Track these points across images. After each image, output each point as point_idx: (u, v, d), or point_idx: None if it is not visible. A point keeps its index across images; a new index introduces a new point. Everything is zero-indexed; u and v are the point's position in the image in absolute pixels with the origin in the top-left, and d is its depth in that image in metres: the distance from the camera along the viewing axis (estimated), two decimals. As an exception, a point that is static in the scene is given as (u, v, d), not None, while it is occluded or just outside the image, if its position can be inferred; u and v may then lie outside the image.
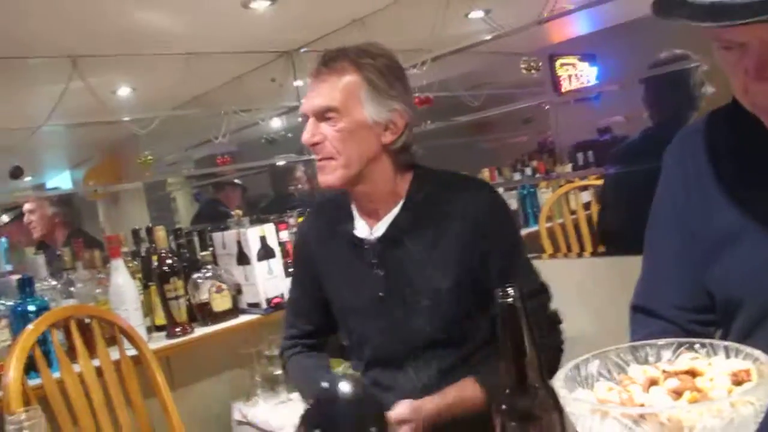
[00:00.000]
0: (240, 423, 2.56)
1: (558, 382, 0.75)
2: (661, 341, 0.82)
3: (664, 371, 0.75)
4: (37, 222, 3.71)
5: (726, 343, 0.76)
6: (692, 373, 0.73)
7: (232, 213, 4.95)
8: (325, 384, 0.84)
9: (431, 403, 1.39)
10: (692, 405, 0.65)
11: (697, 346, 0.79)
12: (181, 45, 3.34)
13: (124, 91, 4.09)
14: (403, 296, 1.52)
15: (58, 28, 2.85)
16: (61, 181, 7.24)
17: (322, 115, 1.46)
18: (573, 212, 3.48)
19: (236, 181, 5.41)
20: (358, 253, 1.57)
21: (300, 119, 1.54)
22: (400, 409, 1.34)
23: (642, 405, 0.68)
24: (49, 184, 7.38)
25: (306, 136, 1.48)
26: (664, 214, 1.12)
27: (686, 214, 1.06)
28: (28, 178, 6.83)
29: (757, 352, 0.72)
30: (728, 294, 1.00)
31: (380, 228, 1.54)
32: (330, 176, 1.48)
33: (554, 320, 1.54)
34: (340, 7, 3.20)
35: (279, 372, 2.40)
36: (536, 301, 1.49)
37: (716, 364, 0.74)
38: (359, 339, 1.63)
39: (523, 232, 3.92)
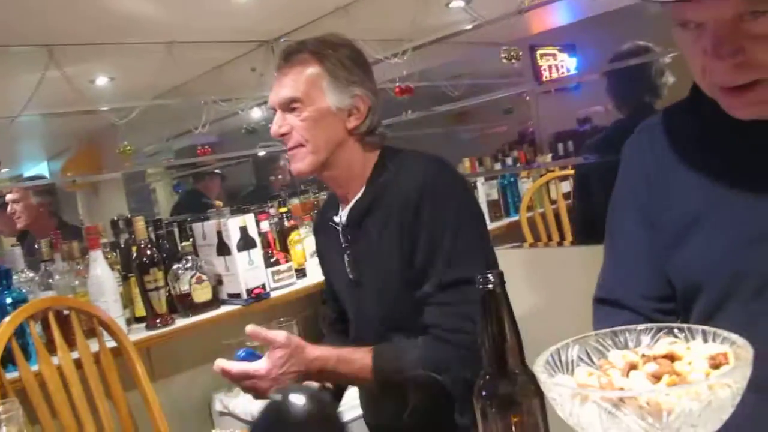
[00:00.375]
0: (221, 414, 2.56)
1: (538, 367, 0.75)
2: (641, 326, 0.82)
3: (643, 356, 0.75)
4: (21, 212, 3.66)
5: (704, 327, 0.77)
6: (671, 357, 0.73)
7: (213, 202, 4.95)
8: (276, 396, 0.73)
9: (317, 350, 1.45)
10: (671, 388, 0.66)
11: (675, 330, 0.80)
12: (161, 34, 3.31)
13: (102, 81, 4.04)
14: (364, 279, 1.58)
15: (33, 16, 2.81)
16: (38, 172, 7.15)
17: (288, 106, 1.52)
18: (553, 202, 3.50)
19: (216, 170, 5.39)
20: (335, 237, 1.64)
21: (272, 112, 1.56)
22: (277, 334, 1.41)
23: (621, 389, 0.69)
24: (27, 176, 7.30)
25: (274, 128, 1.54)
26: (624, 206, 1.13)
27: (647, 206, 1.08)
28: (5, 170, 6.75)
29: (734, 336, 0.72)
30: (689, 280, 1.02)
31: (345, 212, 1.61)
32: (300, 163, 1.54)
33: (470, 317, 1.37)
34: (321, -5, 3.19)
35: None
36: (450, 294, 1.43)
37: (694, 348, 0.74)
38: (351, 321, 1.71)
39: (504, 221, 3.95)
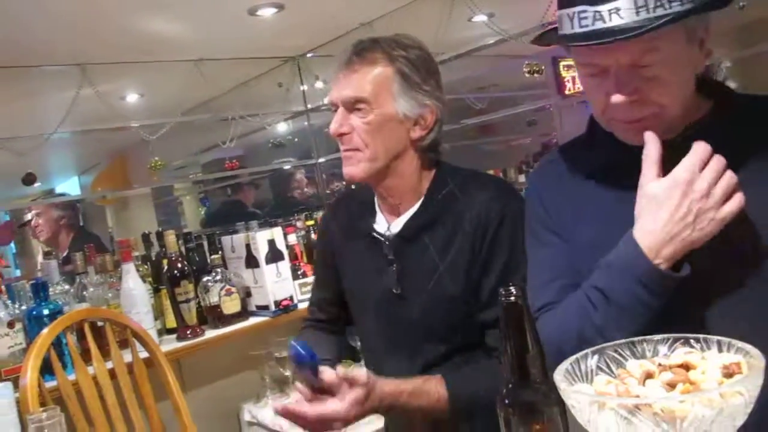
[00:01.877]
0: (250, 424, 2.60)
1: (558, 375, 0.78)
2: (658, 337, 0.85)
3: (659, 365, 0.78)
4: (43, 225, 3.79)
5: (720, 338, 0.80)
6: (686, 367, 0.76)
7: (251, 210, 5.04)
8: None
9: (388, 385, 1.36)
10: (684, 396, 0.69)
11: (692, 341, 0.82)
12: (189, 51, 3.39)
13: (132, 98, 4.15)
14: (415, 294, 1.49)
15: (66, 37, 2.91)
16: (70, 186, 7.29)
17: (352, 106, 1.42)
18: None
19: (253, 181, 5.49)
20: (376, 248, 1.54)
21: (332, 109, 1.47)
22: (359, 374, 1.31)
23: (637, 396, 0.72)
24: (58, 190, 7.44)
25: (334, 126, 1.44)
26: (537, 237, 1.24)
27: (555, 226, 1.20)
28: (37, 184, 6.89)
29: (748, 347, 0.75)
30: None
31: (398, 224, 1.52)
32: (355, 168, 1.45)
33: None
34: (346, 11, 3.25)
35: (288, 373, 2.44)
36: None
37: (709, 358, 0.77)
38: (370, 331, 1.64)
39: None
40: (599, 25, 0.97)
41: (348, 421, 1.31)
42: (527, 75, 3.44)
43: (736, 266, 1.00)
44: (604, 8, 0.96)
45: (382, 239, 1.53)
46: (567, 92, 5.46)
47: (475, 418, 1.41)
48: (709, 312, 1.00)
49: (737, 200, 0.96)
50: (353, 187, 1.76)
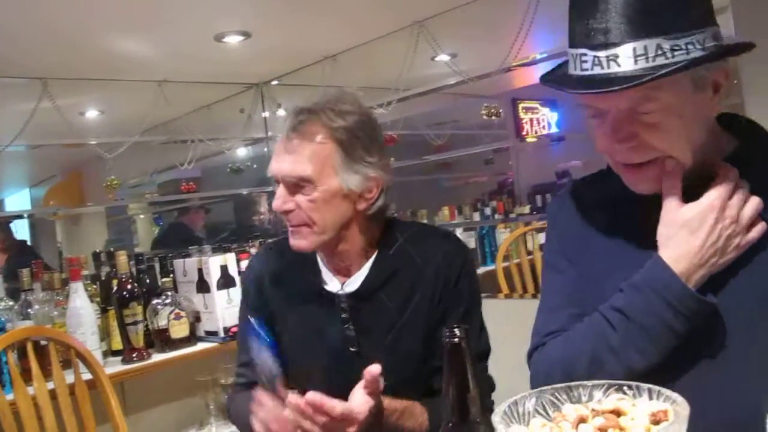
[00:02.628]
0: (191, 451, 2.57)
1: (496, 417, 0.81)
2: (594, 382, 0.89)
3: (593, 410, 0.82)
4: None
5: (650, 386, 0.83)
6: (617, 413, 0.80)
7: (197, 234, 4.98)
8: None
9: (386, 401, 1.33)
10: (612, 441, 0.72)
11: (625, 388, 0.86)
12: (153, 72, 3.40)
13: (92, 114, 4.11)
14: (372, 351, 1.46)
15: (30, 50, 2.88)
16: (20, 198, 7.15)
17: (294, 184, 1.38)
18: (530, 253, 3.57)
19: (201, 204, 5.45)
20: (327, 308, 1.50)
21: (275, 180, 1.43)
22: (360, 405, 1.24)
23: (569, 440, 0.75)
24: (8, 202, 7.28)
25: (277, 203, 1.41)
26: (551, 263, 1.24)
27: (566, 256, 1.20)
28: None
29: (675, 395, 0.79)
30: None
31: (353, 283, 1.49)
32: (303, 241, 1.42)
33: (490, 384, 1.54)
34: (311, 43, 3.30)
35: (233, 400, 2.42)
36: (483, 365, 1.49)
37: (639, 405, 0.81)
38: (318, 388, 1.58)
39: (481, 270, 4.01)
40: (597, 70, 0.95)
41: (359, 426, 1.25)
42: (485, 117, 3.51)
43: (757, 300, 0.99)
44: (602, 54, 0.95)
45: (335, 298, 1.49)
46: (524, 134, 5.59)
47: None
48: (725, 344, 0.99)
49: (761, 227, 0.97)
50: (282, 236, 1.64)
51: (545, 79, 1.08)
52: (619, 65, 0.94)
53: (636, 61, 0.93)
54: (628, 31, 0.93)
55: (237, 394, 1.64)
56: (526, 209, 4.57)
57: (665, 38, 0.93)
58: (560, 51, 3.08)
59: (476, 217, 4.44)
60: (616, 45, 0.94)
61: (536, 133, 5.10)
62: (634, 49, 0.93)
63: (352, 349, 1.49)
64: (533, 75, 5.00)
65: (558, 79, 1.04)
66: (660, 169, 1.00)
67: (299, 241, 1.42)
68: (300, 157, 1.37)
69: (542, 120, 5.73)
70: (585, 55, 0.97)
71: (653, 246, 1.03)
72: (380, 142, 1.45)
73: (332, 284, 1.52)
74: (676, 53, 0.92)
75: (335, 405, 1.21)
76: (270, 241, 2.03)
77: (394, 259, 1.48)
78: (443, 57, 3.42)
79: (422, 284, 1.46)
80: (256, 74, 3.81)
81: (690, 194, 1.00)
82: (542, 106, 5.77)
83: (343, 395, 1.47)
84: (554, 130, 5.66)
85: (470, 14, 2.96)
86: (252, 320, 1.33)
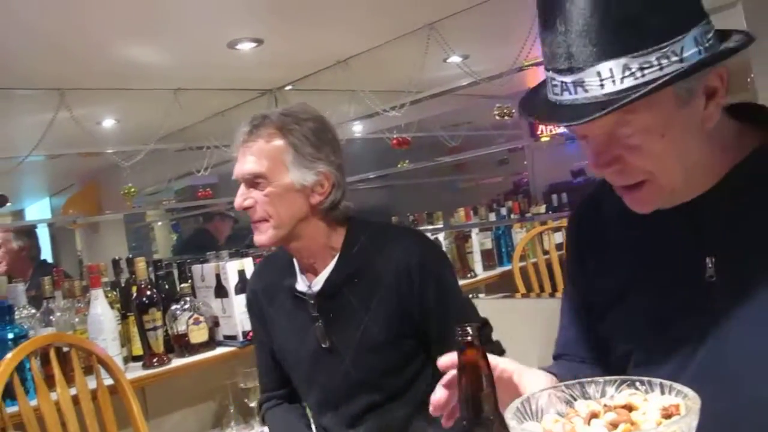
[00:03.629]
0: (213, 454, 2.59)
1: (509, 414, 0.82)
2: (607, 378, 0.89)
3: (605, 405, 0.82)
4: (2, 257, 3.73)
5: (662, 381, 0.84)
6: (629, 408, 0.80)
7: (220, 242, 4.99)
8: None
9: None
10: (623, 435, 0.73)
11: (637, 383, 0.87)
12: (168, 81, 3.43)
13: (108, 123, 4.16)
14: (344, 346, 1.59)
15: (48, 61, 2.93)
16: (41, 208, 7.24)
17: (252, 181, 1.52)
18: (546, 252, 3.57)
19: (228, 212, 5.46)
20: (301, 307, 1.63)
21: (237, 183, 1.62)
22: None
23: (581, 435, 0.76)
24: (28, 211, 7.37)
25: (238, 200, 1.55)
26: (568, 273, 1.23)
27: (579, 277, 1.18)
28: (8, 204, 6.81)
29: (687, 390, 0.79)
30: (619, 345, 1.10)
31: (318, 282, 1.60)
32: (263, 236, 1.54)
33: (499, 350, 1.61)
34: (323, 48, 3.32)
35: (253, 404, 2.44)
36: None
37: (651, 400, 0.81)
38: (306, 386, 1.70)
39: (497, 270, 4.01)
40: (566, 96, 0.88)
41: None
42: (498, 118, 3.52)
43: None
44: (569, 80, 0.87)
45: (305, 297, 1.62)
46: (539, 134, 5.57)
47: None
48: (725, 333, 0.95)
49: None
50: (273, 249, 1.85)
51: (521, 103, 1.02)
52: (586, 90, 0.86)
53: (603, 86, 0.85)
54: (591, 53, 0.85)
55: (269, 412, 1.78)
56: (542, 209, 4.55)
57: (631, 57, 0.84)
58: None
59: (492, 218, 4.43)
60: (581, 69, 0.86)
61: (551, 132, 5.08)
62: (599, 73, 0.85)
63: (323, 346, 1.60)
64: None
65: (529, 105, 0.99)
66: (656, 191, 0.94)
67: (260, 236, 1.55)
68: (254, 156, 1.51)
69: (557, 119, 5.71)
70: (554, 79, 0.90)
71: (673, 266, 1.00)
72: (333, 142, 1.58)
73: (302, 284, 1.63)
74: (646, 71, 0.84)
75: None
76: (264, 255, 2.14)
77: (356, 258, 1.58)
78: (455, 59, 3.42)
79: (383, 282, 1.55)
80: (269, 80, 3.84)
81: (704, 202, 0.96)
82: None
83: (324, 391, 1.64)
84: (569, 129, 5.63)
85: (481, 15, 2.96)
86: None
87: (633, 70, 0.83)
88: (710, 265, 0.96)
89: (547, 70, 0.91)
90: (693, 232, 0.98)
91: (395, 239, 1.60)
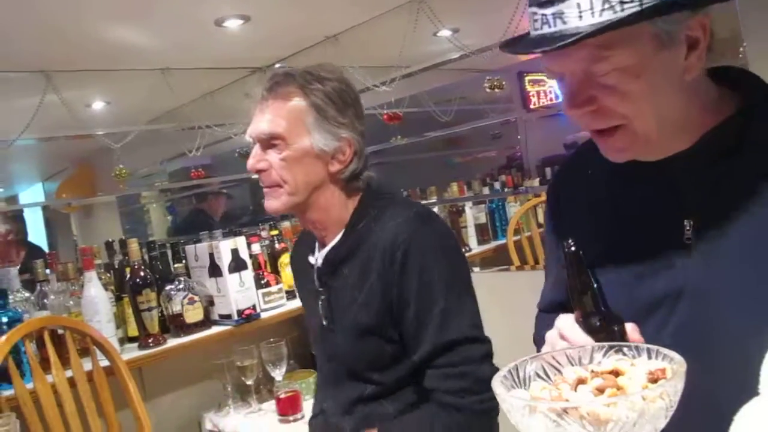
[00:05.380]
0: (211, 432, 2.61)
1: (495, 381, 0.82)
2: (594, 345, 0.89)
3: (592, 371, 0.83)
4: None
5: (649, 346, 0.84)
6: (616, 373, 0.80)
7: (216, 220, 5.00)
8: None
9: None
10: (608, 399, 0.73)
11: (625, 349, 0.87)
12: (155, 61, 3.40)
13: (98, 105, 4.13)
14: (340, 326, 1.49)
15: (32, 43, 2.89)
16: (34, 192, 7.22)
17: (268, 142, 1.41)
18: (540, 225, 3.58)
19: (222, 190, 5.47)
20: (311, 278, 1.56)
21: (251, 143, 1.49)
22: None
23: (567, 401, 0.76)
24: (22, 197, 7.35)
25: (251, 162, 1.44)
26: (547, 233, 1.24)
27: (559, 238, 1.15)
28: (0, 190, 6.80)
29: (673, 354, 0.80)
30: None
31: (321, 256, 1.52)
32: (275, 201, 1.44)
33: (479, 378, 1.36)
34: (312, 24, 3.29)
35: (250, 382, 2.45)
36: (447, 356, 1.38)
37: (638, 365, 0.81)
38: (317, 363, 1.66)
39: (492, 245, 4.02)
40: (546, 29, 0.89)
41: None
42: (488, 90, 3.50)
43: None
44: (549, 12, 0.88)
45: (313, 269, 1.55)
46: (532, 106, 5.57)
47: None
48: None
49: None
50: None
51: (503, 43, 1.01)
52: (564, 22, 0.87)
53: (581, 17, 0.85)
54: None
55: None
56: (536, 182, 4.55)
57: None
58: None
59: (486, 192, 4.43)
60: (561, 1, 0.86)
61: (543, 104, 5.07)
62: (578, 5, 0.85)
63: (324, 324, 1.53)
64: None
65: (511, 43, 1.00)
66: (630, 138, 0.93)
67: (271, 202, 1.45)
68: (273, 115, 1.40)
69: (549, 92, 5.70)
70: (535, 14, 0.90)
71: (652, 227, 1.00)
72: (357, 106, 1.47)
73: (312, 257, 1.57)
74: (626, 6, 0.83)
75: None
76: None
77: (360, 233, 1.47)
78: (445, 32, 3.40)
79: (375, 261, 1.42)
80: (258, 58, 3.81)
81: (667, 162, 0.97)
82: (549, 79, 5.73)
83: (322, 372, 1.60)
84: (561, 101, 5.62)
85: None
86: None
87: (613, 3, 0.84)
88: (688, 228, 0.96)
89: (529, 5, 0.92)
90: (672, 194, 0.99)
91: (393, 215, 1.45)
